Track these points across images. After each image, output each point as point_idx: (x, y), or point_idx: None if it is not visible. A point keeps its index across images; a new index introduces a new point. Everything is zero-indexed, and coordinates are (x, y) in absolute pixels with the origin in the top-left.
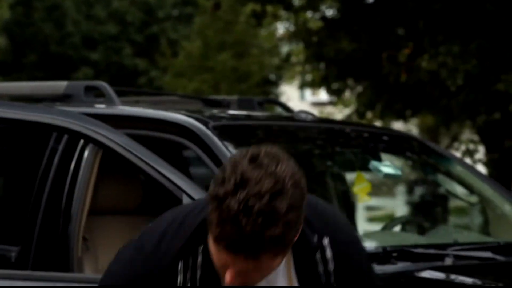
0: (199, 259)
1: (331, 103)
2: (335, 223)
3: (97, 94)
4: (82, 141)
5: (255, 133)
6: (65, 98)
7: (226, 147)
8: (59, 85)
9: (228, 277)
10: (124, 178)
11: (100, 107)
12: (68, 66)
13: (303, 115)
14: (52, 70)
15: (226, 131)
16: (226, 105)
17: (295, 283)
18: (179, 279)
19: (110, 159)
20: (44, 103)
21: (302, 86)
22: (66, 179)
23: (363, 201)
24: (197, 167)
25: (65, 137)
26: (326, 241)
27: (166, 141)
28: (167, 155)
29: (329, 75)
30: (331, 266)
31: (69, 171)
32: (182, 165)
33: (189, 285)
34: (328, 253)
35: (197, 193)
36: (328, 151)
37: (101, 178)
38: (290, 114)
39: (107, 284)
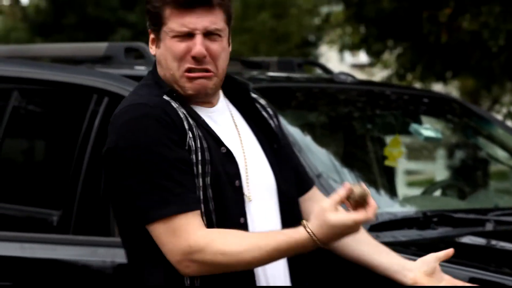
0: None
1: (370, 64)
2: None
3: (137, 55)
4: None
5: (295, 95)
6: (105, 59)
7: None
8: (100, 47)
9: (196, 47)
10: None
11: (140, 69)
12: (106, 28)
13: (343, 77)
14: (91, 31)
15: (266, 94)
16: (266, 67)
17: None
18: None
19: None
20: (85, 64)
21: (342, 48)
22: None
23: (388, 164)
24: None
25: (106, 99)
26: (258, 98)
27: None
28: None
29: (369, 36)
30: (269, 110)
31: None
32: None
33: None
34: (263, 102)
35: None
36: (368, 114)
37: None
38: (329, 76)
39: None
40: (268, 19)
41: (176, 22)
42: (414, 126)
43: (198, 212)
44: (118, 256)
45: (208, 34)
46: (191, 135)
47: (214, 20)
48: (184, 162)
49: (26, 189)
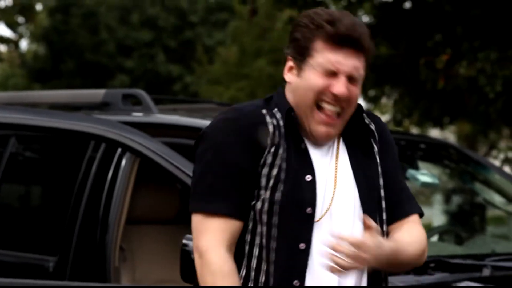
0: (278, 115)
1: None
2: (377, 118)
3: (135, 102)
4: (119, 150)
5: None
6: (103, 106)
7: None
8: (98, 93)
9: (337, 87)
10: (162, 187)
11: (138, 115)
12: (104, 74)
13: None
14: (90, 77)
15: None
16: None
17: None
18: (270, 128)
19: (147, 168)
20: (83, 111)
21: None
22: (104, 188)
23: None
24: None
25: (103, 145)
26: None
27: None
28: None
29: (366, 81)
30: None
31: (107, 180)
32: None
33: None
34: (372, 126)
35: None
36: None
37: (139, 187)
38: None
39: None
40: (265, 66)
41: (324, 57)
42: (411, 172)
43: (233, 220)
44: None
45: (350, 78)
46: (273, 150)
47: (359, 65)
48: (243, 171)
49: (23, 235)
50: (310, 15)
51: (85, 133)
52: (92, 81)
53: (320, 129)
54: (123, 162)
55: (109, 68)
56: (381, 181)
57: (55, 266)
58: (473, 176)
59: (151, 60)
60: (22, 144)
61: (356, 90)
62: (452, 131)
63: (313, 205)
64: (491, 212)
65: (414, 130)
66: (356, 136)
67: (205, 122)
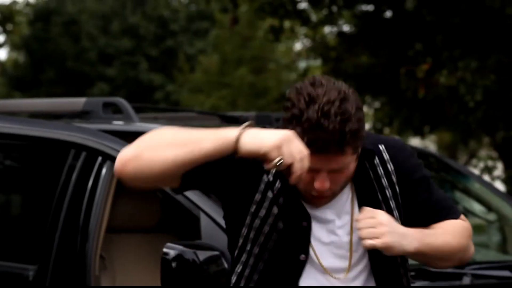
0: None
1: None
2: (384, 137)
3: (115, 110)
4: (100, 158)
5: None
6: (83, 114)
7: None
8: (78, 102)
9: (318, 183)
10: (142, 196)
11: (119, 124)
12: (85, 82)
13: None
14: (70, 85)
15: None
16: (244, 122)
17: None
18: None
19: None
20: (63, 119)
21: None
22: (84, 197)
23: None
24: None
25: (83, 154)
26: (382, 146)
27: None
28: None
29: None
30: (390, 166)
31: (87, 188)
32: None
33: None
34: (385, 156)
35: (216, 211)
36: None
37: (119, 195)
38: None
39: None
40: (246, 74)
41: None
42: None
43: None
44: None
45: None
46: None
47: (341, 161)
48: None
49: (2, 244)
50: (296, 99)
51: (65, 141)
52: (72, 89)
53: (315, 202)
54: (104, 170)
55: (91, 77)
56: (395, 214)
57: (35, 275)
58: (453, 185)
59: (133, 68)
60: (2, 152)
61: (342, 176)
62: (433, 140)
63: (306, 251)
64: (471, 221)
65: None
66: (366, 181)
67: None
